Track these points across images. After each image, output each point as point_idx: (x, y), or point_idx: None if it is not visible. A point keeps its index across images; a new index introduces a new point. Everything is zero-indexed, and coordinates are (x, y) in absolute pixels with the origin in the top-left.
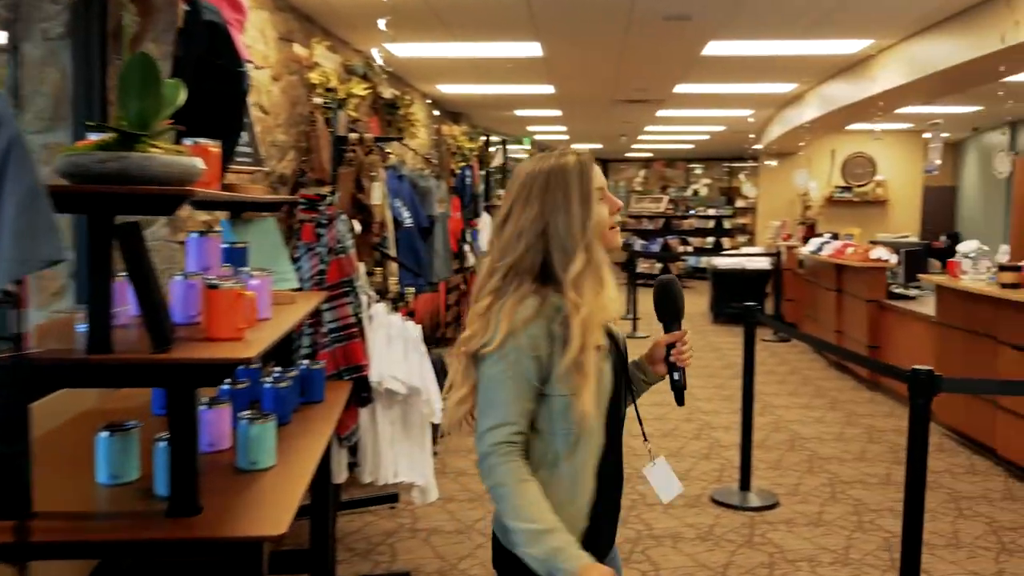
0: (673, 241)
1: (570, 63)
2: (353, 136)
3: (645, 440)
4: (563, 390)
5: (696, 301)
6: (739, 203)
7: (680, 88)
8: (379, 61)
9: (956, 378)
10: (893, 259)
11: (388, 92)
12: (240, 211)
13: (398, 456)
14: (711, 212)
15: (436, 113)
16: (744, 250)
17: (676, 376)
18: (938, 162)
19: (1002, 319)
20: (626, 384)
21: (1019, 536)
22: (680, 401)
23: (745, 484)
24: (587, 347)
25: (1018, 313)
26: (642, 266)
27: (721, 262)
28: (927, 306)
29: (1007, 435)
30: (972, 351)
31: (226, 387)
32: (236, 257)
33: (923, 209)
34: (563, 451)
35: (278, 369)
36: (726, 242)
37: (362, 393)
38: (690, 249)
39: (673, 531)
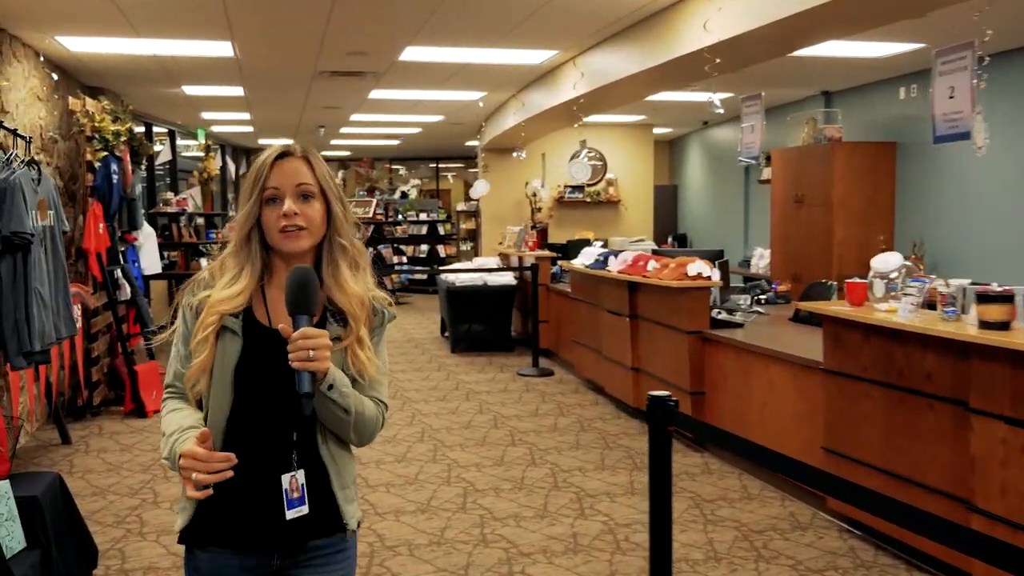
0: (386, 251)
1: (261, 2)
2: None
3: (294, 449)
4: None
5: (422, 322)
6: (460, 206)
7: (409, 53)
8: None
9: None
10: (716, 276)
11: None
12: None
13: None
14: (423, 217)
15: (55, 78)
16: (478, 262)
17: (297, 382)
18: (757, 149)
19: (982, 376)
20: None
21: None
22: (305, 409)
23: None
24: (202, 325)
25: (1015, 368)
26: None
27: (458, 278)
28: (776, 339)
29: None
30: (912, 420)
31: None
32: None
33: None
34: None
35: None
36: (442, 250)
37: None
38: (404, 260)
39: None
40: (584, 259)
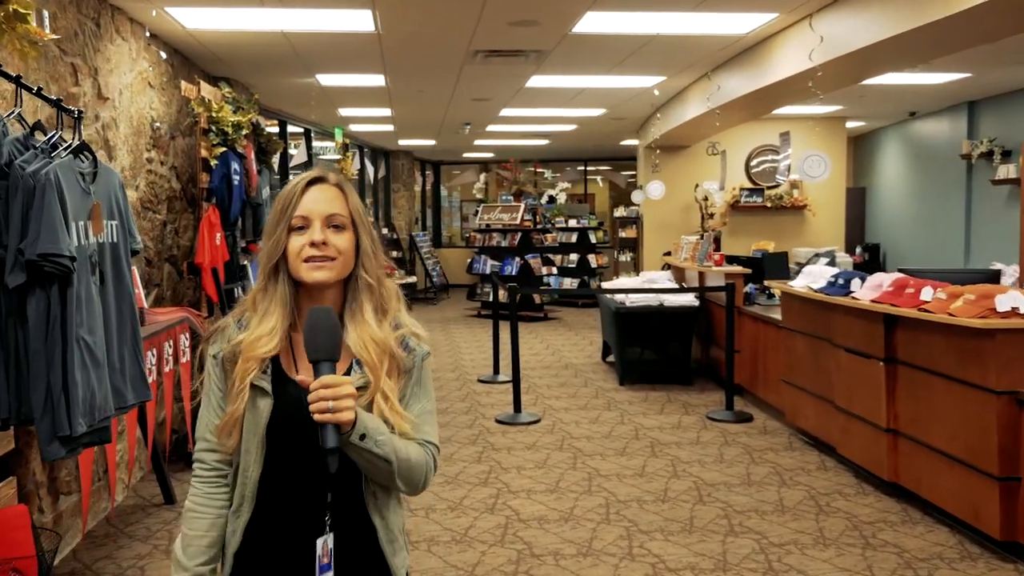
0: (534, 261)
1: None
2: None
3: (327, 512)
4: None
5: (576, 343)
6: (619, 211)
7: (587, 21)
8: None
9: None
10: None
11: None
12: None
13: None
14: (572, 224)
15: (163, 56)
16: (646, 277)
17: (321, 437)
18: None
19: None
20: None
21: None
22: (330, 466)
23: None
24: (241, 373)
25: None
26: (503, 295)
27: (627, 298)
28: None
29: None
30: None
31: None
32: None
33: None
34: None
35: None
36: (593, 260)
37: None
38: (554, 271)
39: None
40: (809, 280)
